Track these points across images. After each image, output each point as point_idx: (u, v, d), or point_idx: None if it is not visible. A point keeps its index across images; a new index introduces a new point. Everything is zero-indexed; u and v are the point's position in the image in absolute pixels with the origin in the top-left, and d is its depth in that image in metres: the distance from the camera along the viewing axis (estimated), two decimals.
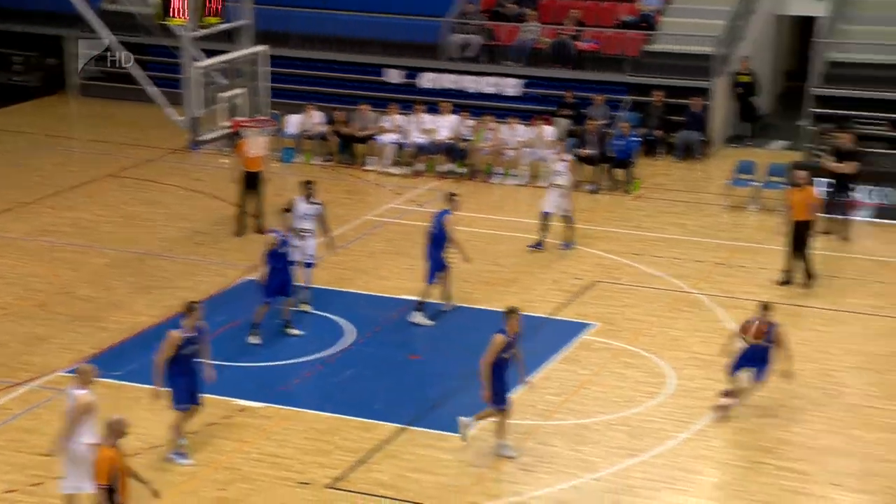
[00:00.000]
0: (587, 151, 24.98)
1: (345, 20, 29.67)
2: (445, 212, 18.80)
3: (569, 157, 21.85)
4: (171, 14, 26.01)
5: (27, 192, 24.37)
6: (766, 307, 15.20)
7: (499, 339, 14.29)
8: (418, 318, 18.51)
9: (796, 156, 25.18)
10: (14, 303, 19.20)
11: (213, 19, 26.12)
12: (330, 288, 19.57)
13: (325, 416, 15.60)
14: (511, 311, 14.48)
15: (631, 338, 17.78)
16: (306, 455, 14.61)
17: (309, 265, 18.65)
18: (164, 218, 23.18)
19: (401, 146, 26.19)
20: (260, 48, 26.45)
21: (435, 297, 18.66)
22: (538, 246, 21.18)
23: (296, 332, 17.93)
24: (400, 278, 20.08)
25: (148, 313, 18.67)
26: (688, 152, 26.66)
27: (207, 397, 14.99)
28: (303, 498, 13.71)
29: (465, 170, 25.61)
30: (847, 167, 22.01)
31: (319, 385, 16.64)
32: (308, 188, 19.06)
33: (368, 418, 15.53)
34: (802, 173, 20.06)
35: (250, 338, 17.63)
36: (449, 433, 15.14)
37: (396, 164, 26.10)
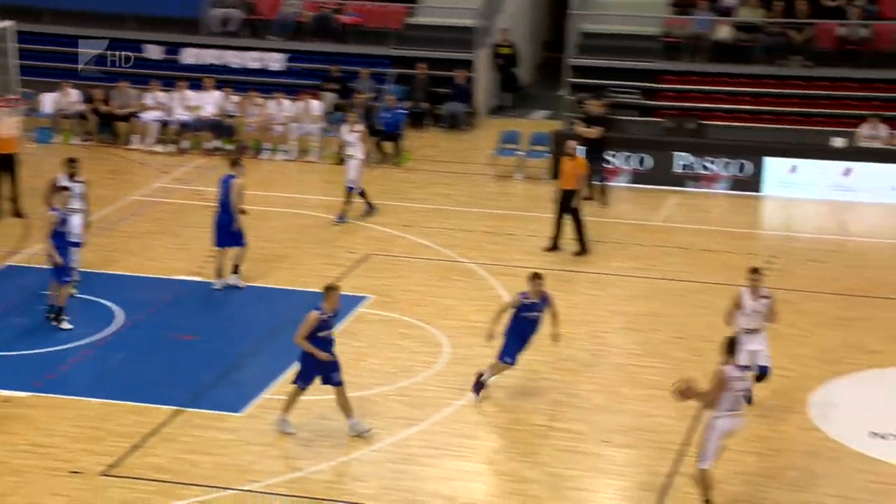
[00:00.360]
0: None
1: None
2: (231, 177, 18.51)
3: (360, 128, 21.75)
4: None
5: None
6: (536, 276, 15.33)
7: (312, 315, 14.03)
8: (234, 280, 18.51)
9: (557, 125, 25.79)
10: None
11: None
12: (96, 270, 18.96)
13: (95, 403, 15.11)
14: (330, 288, 14.21)
15: (406, 309, 17.87)
16: (77, 443, 14.11)
17: (76, 245, 17.98)
18: None
19: (164, 124, 25.61)
20: (6, 23, 25.42)
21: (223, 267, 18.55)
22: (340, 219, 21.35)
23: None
24: (170, 258, 19.64)
25: None
26: (454, 123, 27.01)
27: None
28: (75, 487, 13.22)
29: (232, 146, 25.22)
30: (594, 132, 22.63)
31: (89, 371, 16.08)
32: (72, 166, 18.44)
33: (142, 402, 15.10)
34: (572, 143, 20.51)
35: (62, 324, 16.94)
36: (227, 413, 14.94)
37: (161, 142, 25.54)
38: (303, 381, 14.31)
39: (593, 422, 14.83)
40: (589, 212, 21.70)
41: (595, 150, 22.56)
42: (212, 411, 14.95)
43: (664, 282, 19.03)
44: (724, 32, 26.13)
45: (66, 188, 17.62)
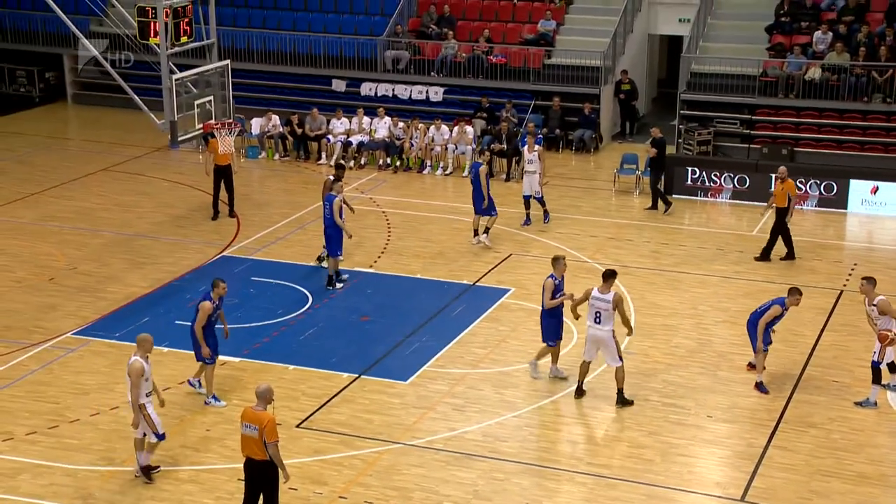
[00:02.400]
0: (501, 147, 24.94)
1: (298, 39, 29.25)
2: (478, 164, 20.05)
3: (538, 148, 21.54)
4: (149, 35, 25.61)
5: (34, 185, 23.74)
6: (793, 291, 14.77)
7: (548, 282, 14.62)
8: (484, 239, 19.94)
9: (670, 149, 25.28)
10: (28, 277, 18.75)
11: (184, 39, 25.71)
12: (295, 262, 19.38)
13: (291, 369, 15.44)
14: (556, 258, 14.76)
15: (541, 300, 17.68)
16: (277, 400, 14.00)
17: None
18: (151, 205, 22.68)
19: (347, 144, 25.93)
20: (224, 62, 26.06)
21: (479, 225, 20.09)
22: (526, 223, 21.33)
23: (344, 277, 18.42)
24: (350, 254, 19.75)
25: (140, 285, 18.32)
26: (582, 147, 26.74)
27: (191, 354, 14.82)
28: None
29: (399, 163, 25.45)
30: (651, 152, 22.12)
31: (286, 343, 16.37)
32: (339, 170, 19.57)
33: (328, 370, 15.39)
34: (783, 168, 19.78)
35: (338, 285, 18.15)
36: (395, 381, 15.09)
37: (343, 158, 25.83)
38: (557, 337, 14.78)
39: (698, 399, 14.56)
40: (660, 219, 21.63)
41: (658, 166, 22.14)
42: (383, 379, 15.13)
43: (760, 283, 18.52)
44: (814, 73, 25.33)
45: (339, 180, 18.69)
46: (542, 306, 14.84)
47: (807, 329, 16.66)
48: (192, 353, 15.62)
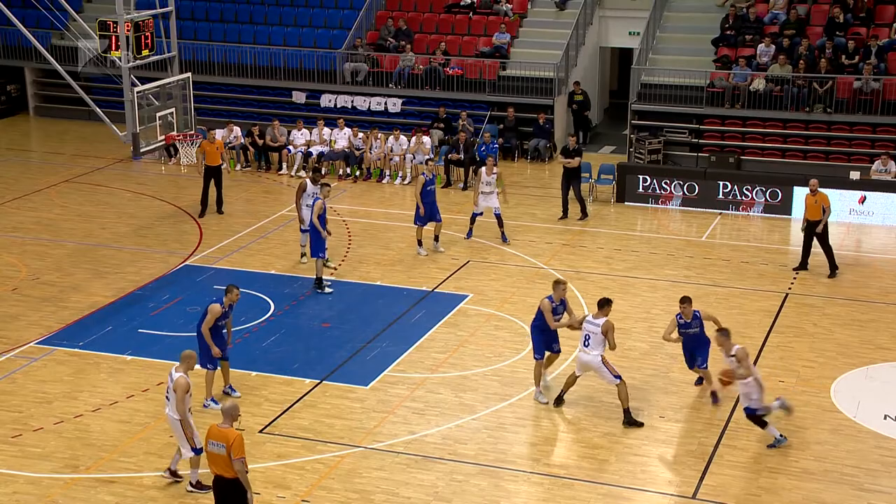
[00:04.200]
0: (458, 156, 24.96)
1: (259, 52, 29.12)
2: (431, 181, 19.96)
3: (497, 169, 20.92)
4: (111, 48, 25.36)
5: None
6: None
7: (545, 303, 14.30)
8: (420, 250, 19.93)
9: (621, 157, 25.56)
10: None
11: (146, 52, 25.50)
12: (256, 270, 19.24)
13: (254, 375, 15.32)
14: (557, 282, 14.45)
15: (498, 305, 17.79)
16: (241, 406, 14.13)
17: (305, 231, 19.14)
18: (113, 215, 22.42)
19: (307, 154, 25.83)
20: (186, 75, 25.85)
21: (420, 235, 19.99)
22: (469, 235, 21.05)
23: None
24: (310, 261, 19.72)
25: (103, 294, 18.09)
26: (537, 156, 26.85)
27: (154, 362, 14.61)
28: None
29: (359, 172, 25.38)
30: (574, 162, 22.15)
31: (249, 349, 16.23)
32: (316, 175, 19.27)
33: (289, 375, 15.29)
34: (814, 181, 19.49)
35: (327, 289, 18.13)
36: (356, 385, 15.02)
37: (303, 168, 25.73)
38: (538, 354, 14.56)
39: (651, 400, 14.64)
40: (612, 225, 21.61)
41: (574, 176, 22.15)
42: (344, 384, 15.06)
43: (709, 287, 18.69)
44: (758, 84, 25.64)
45: (328, 184, 18.57)
46: (532, 324, 14.59)
47: (754, 331, 16.83)
48: (155, 361, 15.51)
